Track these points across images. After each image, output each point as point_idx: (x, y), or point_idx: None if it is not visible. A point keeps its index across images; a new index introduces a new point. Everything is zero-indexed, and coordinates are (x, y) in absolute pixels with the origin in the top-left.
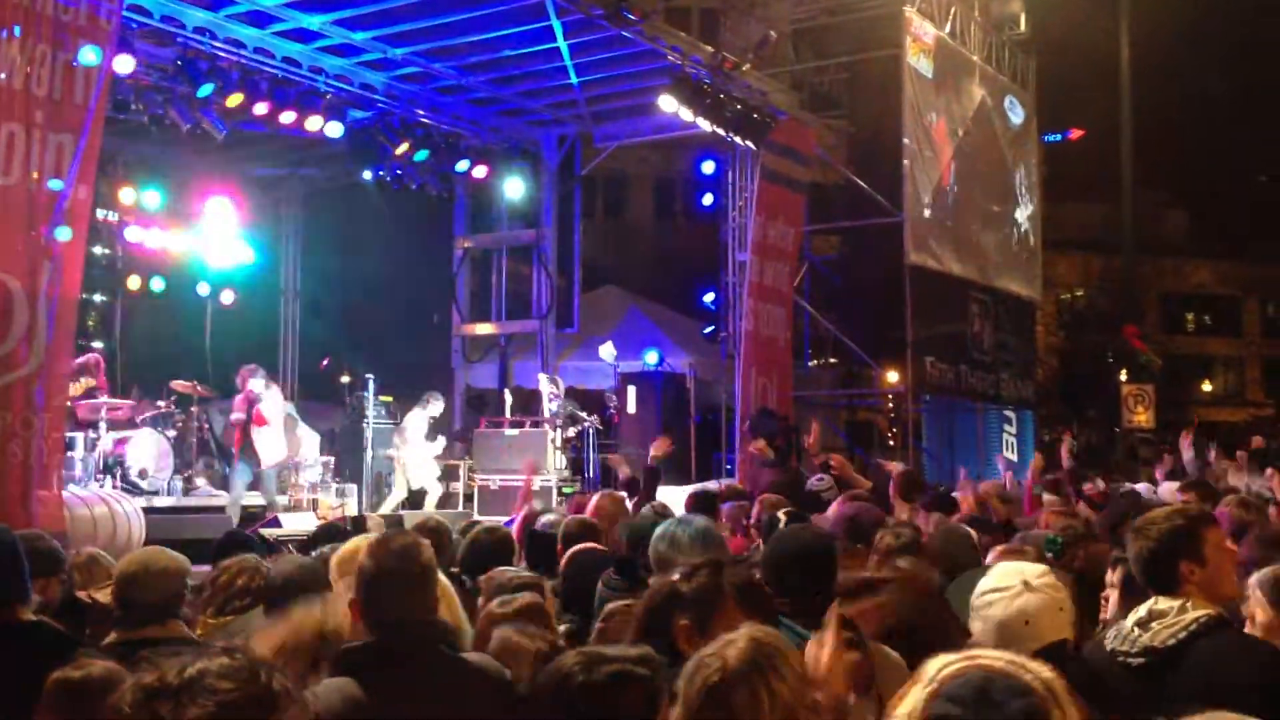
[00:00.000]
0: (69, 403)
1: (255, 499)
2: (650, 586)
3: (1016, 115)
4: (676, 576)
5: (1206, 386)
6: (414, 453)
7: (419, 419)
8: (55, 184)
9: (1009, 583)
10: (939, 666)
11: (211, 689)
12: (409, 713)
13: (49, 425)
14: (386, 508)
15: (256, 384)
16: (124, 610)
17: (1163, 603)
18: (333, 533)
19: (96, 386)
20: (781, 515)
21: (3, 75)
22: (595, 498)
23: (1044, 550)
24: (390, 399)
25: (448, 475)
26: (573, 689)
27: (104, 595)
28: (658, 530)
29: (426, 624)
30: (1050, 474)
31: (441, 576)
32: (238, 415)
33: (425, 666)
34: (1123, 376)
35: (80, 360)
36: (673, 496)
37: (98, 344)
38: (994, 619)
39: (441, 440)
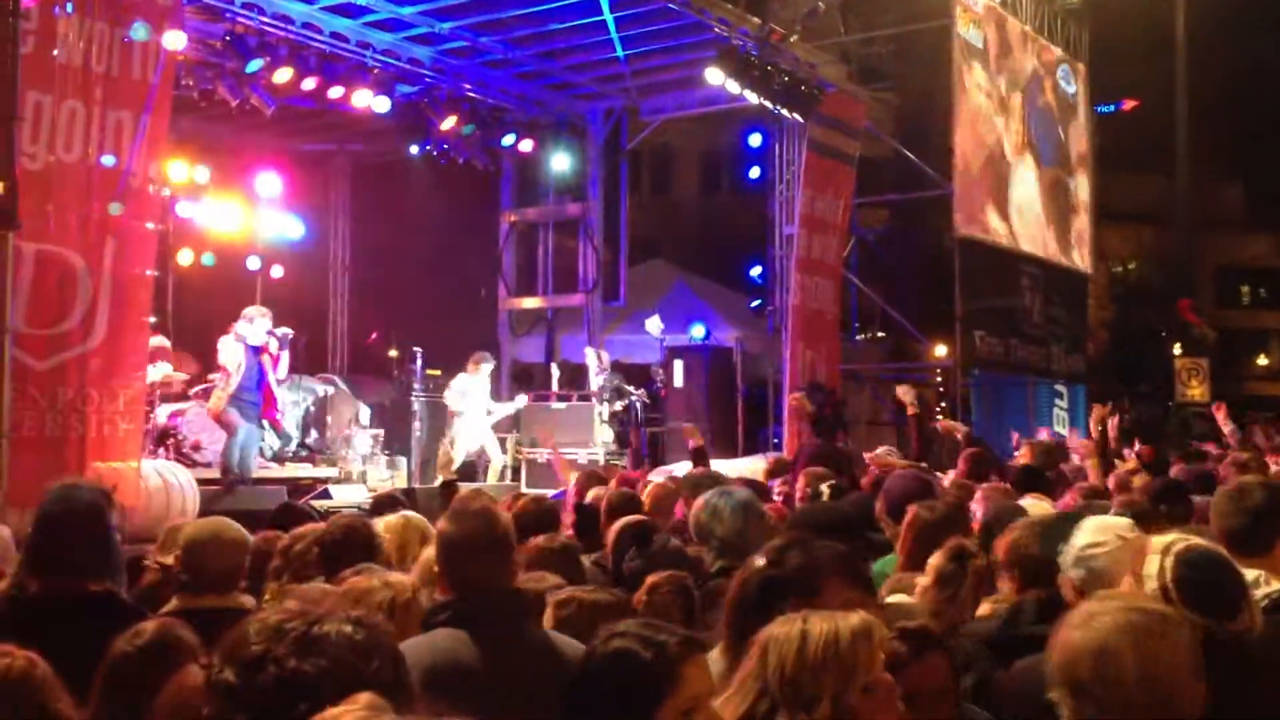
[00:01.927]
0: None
1: (305, 470)
2: (737, 578)
3: (1069, 85)
4: (763, 562)
5: (1262, 360)
6: (467, 419)
7: (464, 383)
8: (110, 160)
9: (1105, 538)
10: (1167, 543)
11: (327, 651)
12: (492, 674)
13: (116, 399)
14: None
15: (265, 323)
16: (191, 575)
17: None
18: (388, 503)
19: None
20: (825, 489)
21: (59, 52)
22: (650, 486)
23: None
24: (438, 372)
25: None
26: (585, 655)
27: (169, 560)
28: (698, 500)
29: (509, 591)
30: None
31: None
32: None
33: (507, 633)
34: (1176, 350)
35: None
36: (719, 470)
37: (151, 319)
38: (1097, 569)
39: (521, 399)
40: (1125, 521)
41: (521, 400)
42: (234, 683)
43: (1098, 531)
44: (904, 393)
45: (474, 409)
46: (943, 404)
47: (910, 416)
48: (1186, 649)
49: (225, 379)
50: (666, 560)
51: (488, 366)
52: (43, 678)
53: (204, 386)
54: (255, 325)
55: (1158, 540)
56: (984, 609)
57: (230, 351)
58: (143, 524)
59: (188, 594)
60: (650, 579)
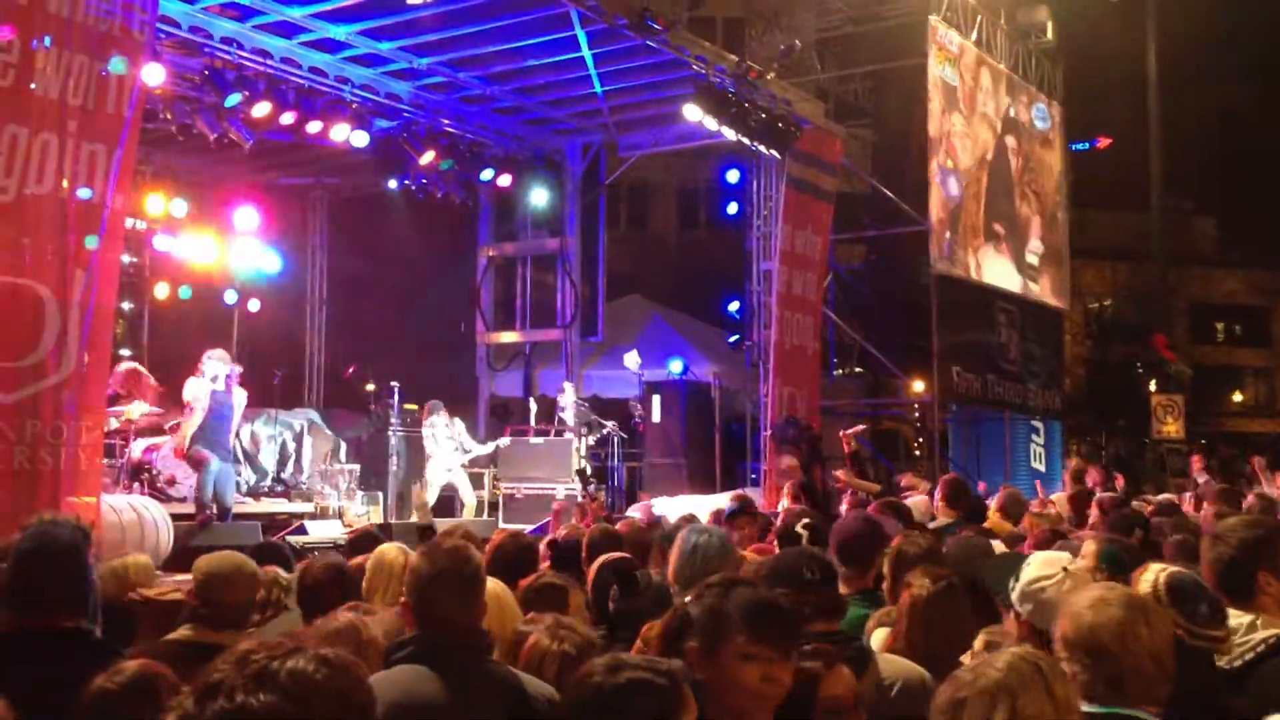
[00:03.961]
0: (117, 420)
1: (281, 505)
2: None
3: (1043, 123)
4: (689, 598)
5: (1237, 397)
6: (436, 463)
7: (428, 431)
8: (85, 193)
9: (1052, 571)
10: (1157, 571)
11: (281, 688)
12: (451, 711)
13: (82, 433)
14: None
15: (219, 367)
16: (207, 608)
17: (1231, 619)
18: (367, 540)
19: (143, 399)
20: (801, 529)
21: (36, 85)
22: (619, 525)
23: (1100, 564)
24: (415, 407)
25: (473, 483)
26: (590, 691)
27: (155, 594)
28: (677, 539)
29: (474, 629)
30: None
31: (498, 585)
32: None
33: (468, 670)
34: (1152, 387)
35: (122, 375)
36: (698, 505)
37: (126, 351)
38: (1046, 600)
39: (503, 441)
40: (1066, 555)
41: (502, 441)
42: (190, 711)
43: (1044, 565)
44: (789, 465)
45: (442, 451)
46: (920, 439)
47: (847, 455)
48: (1172, 632)
49: (189, 416)
50: (652, 599)
51: (436, 415)
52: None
53: (179, 421)
54: (219, 366)
55: (1145, 577)
56: (979, 642)
57: (195, 389)
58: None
59: (204, 626)
60: (647, 624)
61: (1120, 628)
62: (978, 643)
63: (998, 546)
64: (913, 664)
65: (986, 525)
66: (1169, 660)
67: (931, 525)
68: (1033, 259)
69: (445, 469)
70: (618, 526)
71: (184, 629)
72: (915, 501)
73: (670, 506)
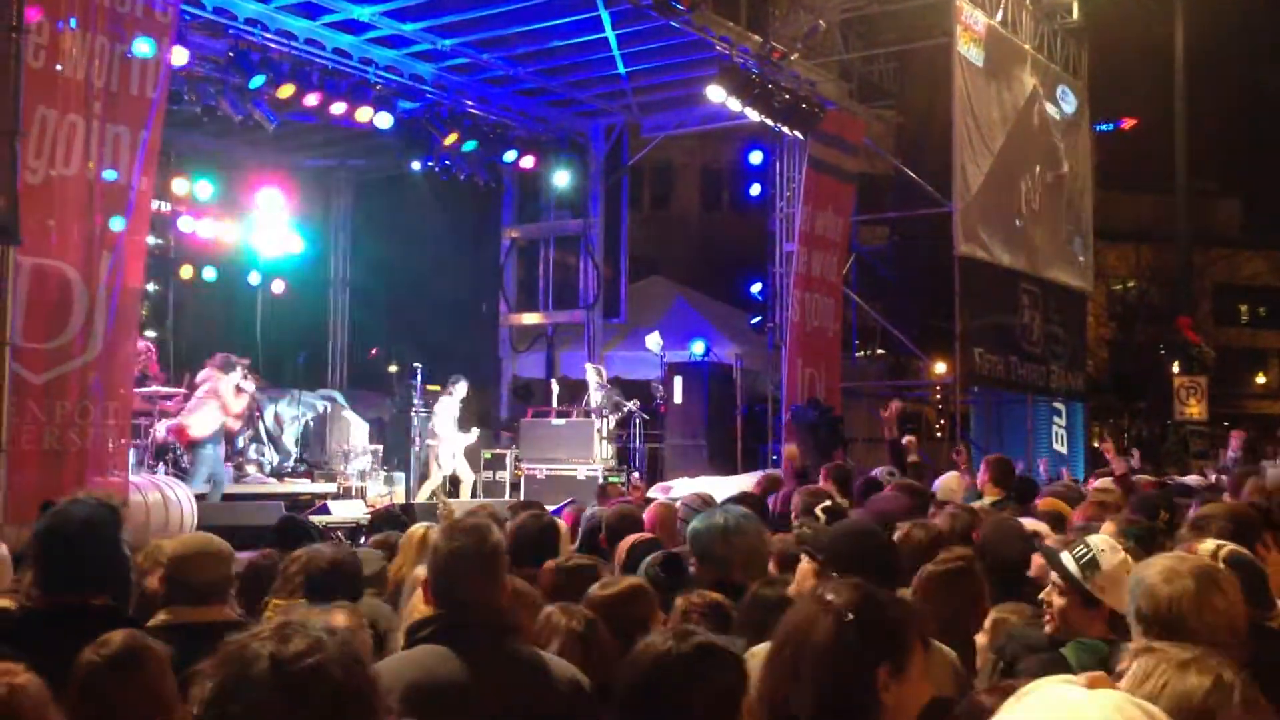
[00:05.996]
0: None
1: (303, 486)
2: (801, 620)
3: (1068, 104)
4: (837, 603)
5: (1260, 379)
6: (446, 441)
7: (447, 405)
8: (110, 174)
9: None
10: (1216, 545)
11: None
12: (473, 691)
13: (109, 413)
14: (423, 494)
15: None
16: (178, 589)
17: None
18: (389, 519)
19: (149, 376)
20: (820, 511)
21: (61, 67)
22: (650, 509)
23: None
24: (438, 388)
25: (495, 464)
26: (654, 658)
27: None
28: (695, 521)
29: (494, 609)
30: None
31: None
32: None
33: (490, 649)
34: (1175, 368)
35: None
36: (717, 487)
37: (151, 333)
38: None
39: (475, 431)
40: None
41: (474, 433)
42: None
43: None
44: (888, 415)
45: (449, 432)
46: (941, 421)
47: (888, 441)
48: (1242, 599)
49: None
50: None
51: (462, 387)
52: (29, 702)
53: (170, 392)
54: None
55: (1203, 547)
56: (989, 620)
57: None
58: (141, 538)
59: (176, 607)
60: (679, 600)
61: (1197, 599)
62: (988, 621)
63: (1037, 526)
64: None
65: (1038, 505)
66: (1242, 630)
67: (976, 504)
68: (1051, 242)
69: (451, 453)
70: (648, 511)
71: (160, 614)
72: (945, 479)
73: (689, 488)
